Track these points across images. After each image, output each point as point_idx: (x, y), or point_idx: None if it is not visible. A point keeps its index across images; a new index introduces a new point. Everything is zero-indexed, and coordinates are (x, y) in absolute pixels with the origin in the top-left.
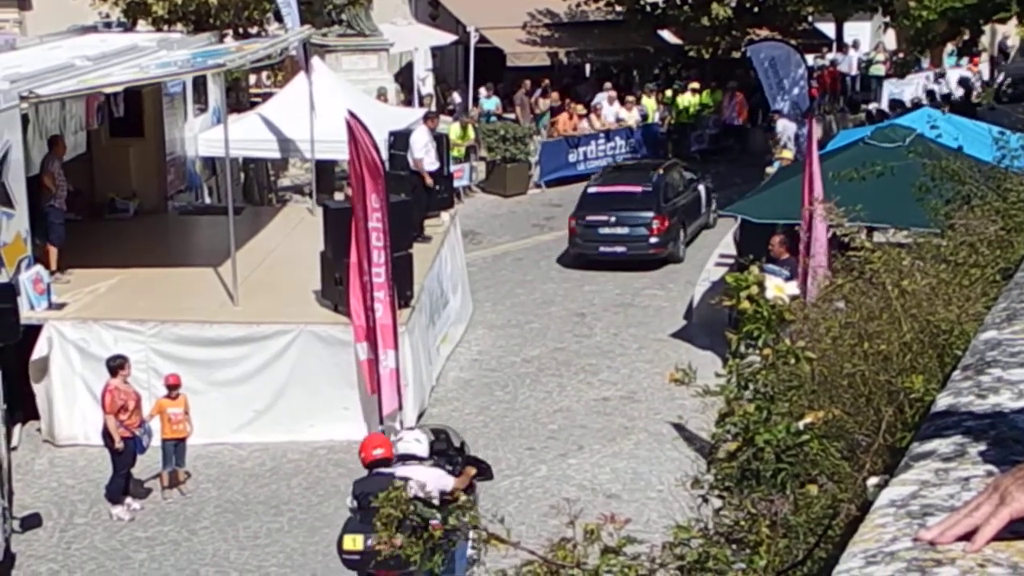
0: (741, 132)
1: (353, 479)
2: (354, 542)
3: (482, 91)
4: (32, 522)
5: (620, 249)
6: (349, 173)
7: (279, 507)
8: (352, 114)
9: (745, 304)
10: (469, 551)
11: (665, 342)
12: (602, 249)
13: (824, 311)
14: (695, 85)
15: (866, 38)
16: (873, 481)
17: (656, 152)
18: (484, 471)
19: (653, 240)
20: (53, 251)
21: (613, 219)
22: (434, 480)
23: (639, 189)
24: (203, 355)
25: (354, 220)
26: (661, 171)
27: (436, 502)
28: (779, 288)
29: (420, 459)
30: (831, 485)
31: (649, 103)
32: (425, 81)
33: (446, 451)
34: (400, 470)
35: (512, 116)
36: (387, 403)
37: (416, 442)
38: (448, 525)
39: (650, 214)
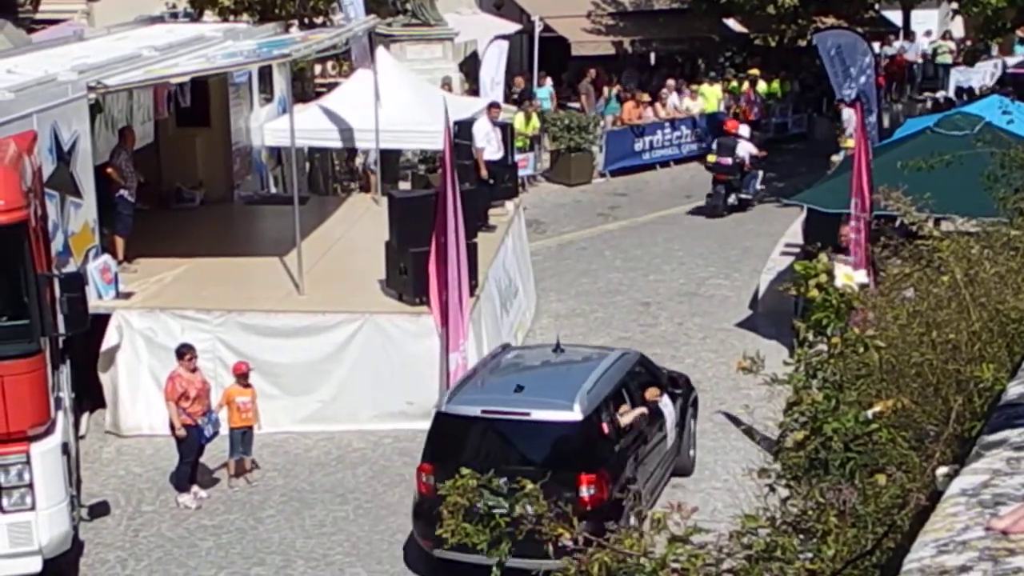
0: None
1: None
2: (711, 158)
3: (534, 81)
4: (100, 510)
5: None
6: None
7: (344, 496)
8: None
9: (814, 292)
10: (759, 184)
11: (730, 332)
12: None
13: (891, 300)
14: (755, 72)
15: (933, 25)
16: (942, 471)
17: None
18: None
19: None
20: (120, 241)
21: None
22: (749, 146)
23: None
24: (269, 344)
25: (440, 208)
26: None
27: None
28: (848, 276)
29: (745, 138)
30: (900, 475)
31: (713, 91)
32: (495, 80)
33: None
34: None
35: (577, 105)
36: None
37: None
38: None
39: None
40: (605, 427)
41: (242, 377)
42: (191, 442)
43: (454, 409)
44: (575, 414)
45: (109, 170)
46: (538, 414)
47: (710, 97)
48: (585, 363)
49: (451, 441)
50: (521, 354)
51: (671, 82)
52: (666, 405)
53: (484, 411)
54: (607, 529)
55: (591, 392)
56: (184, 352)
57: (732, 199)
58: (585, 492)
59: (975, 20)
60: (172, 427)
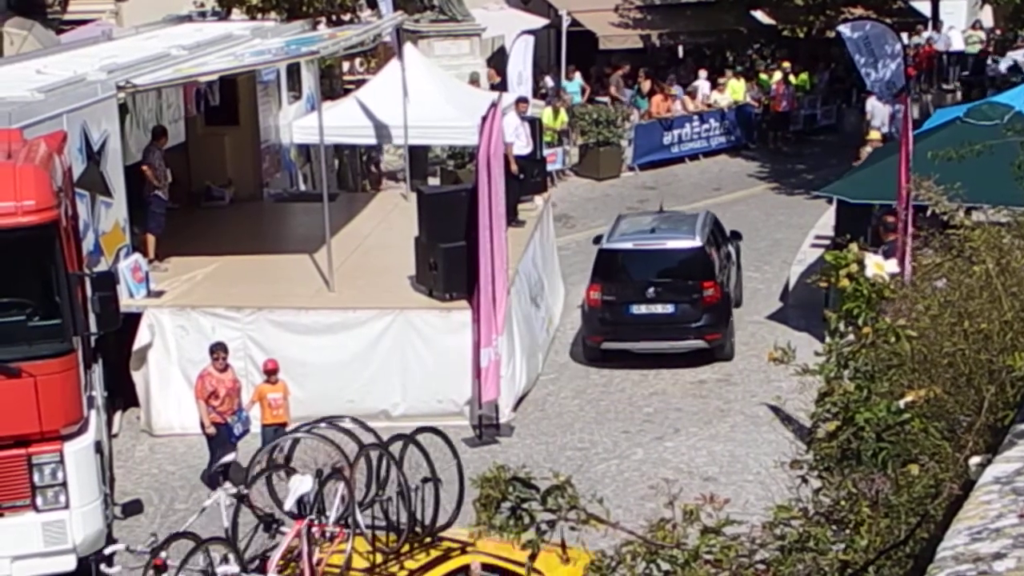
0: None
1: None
2: None
3: (562, 76)
4: (133, 508)
5: None
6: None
7: None
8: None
9: (845, 282)
10: None
11: (761, 324)
12: None
13: (923, 290)
14: (786, 65)
15: (962, 15)
16: (975, 460)
17: (750, 134)
18: None
19: None
20: (151, 239)
21: None
22: None
23: None
24: (299, 341)
25: (479, 203)
26: None
27: None
28: (879, 266)
29: None
30: (932, 464)
31: (739, 85)
32: (522, 75)
33: None
34: None
35: (605, 99)
36: (488, 391)
37: None
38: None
39: None
40: (713, 254)
41: (271, 374)
42: (221, 440)
43: (612, 246)
44: (697, 242)
45: (144, 168)
46: (671, 243)
47: (738, 90)
48: (687, 216)
49: (612, 267)
50: (636, 216)
51: (703, 73)
52: (731, 251)
53: (636, 244)
54: (724, 319)
55: (703, 229)
56: (213, 350)
57: None
58: (707, 293)
59: (1004, 9)
60: (202, 425)
